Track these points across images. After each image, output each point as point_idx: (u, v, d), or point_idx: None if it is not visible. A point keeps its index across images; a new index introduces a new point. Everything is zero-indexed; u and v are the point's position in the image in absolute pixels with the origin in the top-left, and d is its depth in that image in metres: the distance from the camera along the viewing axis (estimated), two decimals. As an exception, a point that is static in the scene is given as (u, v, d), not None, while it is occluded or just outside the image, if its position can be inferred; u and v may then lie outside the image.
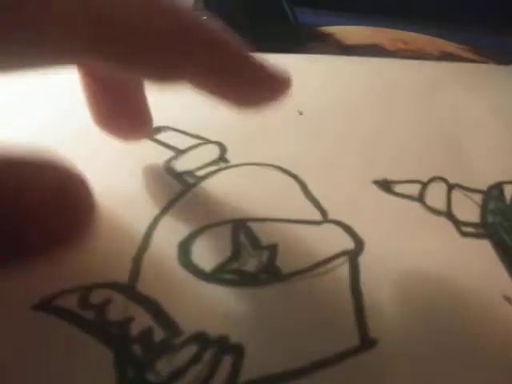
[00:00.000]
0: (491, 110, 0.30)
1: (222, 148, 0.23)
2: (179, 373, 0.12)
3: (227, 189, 0.20)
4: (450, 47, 0.37)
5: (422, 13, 0.40)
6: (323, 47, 0.35)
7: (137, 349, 0.13)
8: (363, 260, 0.17)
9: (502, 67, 0.34)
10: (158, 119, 0.23)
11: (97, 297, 0.14)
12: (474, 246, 0.20)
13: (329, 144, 0.24)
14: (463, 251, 0.19)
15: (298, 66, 0.25)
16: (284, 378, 0.12)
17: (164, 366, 0.12)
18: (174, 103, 0.25)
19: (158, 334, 0.13)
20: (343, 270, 0.17)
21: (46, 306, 0.13)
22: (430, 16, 0.40)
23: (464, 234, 0.20)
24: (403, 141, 0.26)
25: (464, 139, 0.27)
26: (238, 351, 0.13)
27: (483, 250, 0.19)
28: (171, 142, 0.23)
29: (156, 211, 0.18)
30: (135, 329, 0.13)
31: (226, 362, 0.13)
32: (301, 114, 0.27)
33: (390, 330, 0.15)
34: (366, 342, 0.14)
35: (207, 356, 0.13)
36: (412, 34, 0.39)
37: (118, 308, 0.14)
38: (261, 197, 0.20)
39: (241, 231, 0.18)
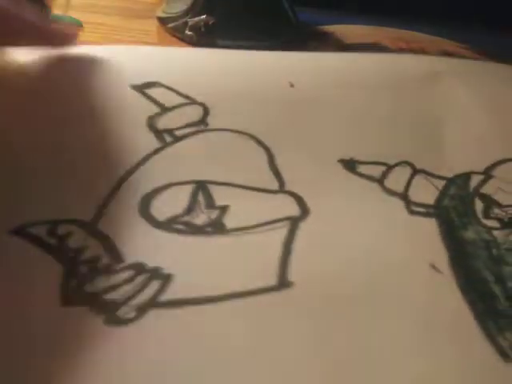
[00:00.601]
0: (482, 105, 0.30)
1: (206, 110, 0.24)
2: (111, 288, 0.15)
3: (200, 151, 0.22)
4: (451, 46, 0.37)
5: (423, 12, 0.40)
6: (323, 46, 0.36)
7: (83, 269, 0.16)
8: (304, 226, 0.20)
9: (501, 65, 0.35)
10: (153, 74, 0.25)
11: (63, 229, 0.17)
12: (419, 224, 0.21)
13: (308, 121, 0.26)
14: (406, 227, 0.21)
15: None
16: (200, 301, 0.15)
17: (101, 283, 0.15)
18: (171, 60, 0.28)
19: (104, 261, 0.16)
20: (283, 231, 0.19)
21: (21, 232, 0.17)
22: (431, 15, 0.40)
23: (412, 213, 0.22)
24: (381, 126, 0.27)
25: (447, 130, 0.28)
26: (166, 278, 0.16)
27: (427, 228, 0.21)
28: (159, 99, 0.24)
29: (129, 164, 0.21)
30: (87, 255, 0.16)
31: (154, 284, 0.15)
32: (292, 86, 0.28)
33: (308, 279, 0.17)
34: (283, 283, 0.16)
35: (139, 279, 0.16)
36: (413, 33, 0.39)
37: (78, 239, 0.17)
38: (228, 162, 0.22)
39: (200, 191, 0.20)
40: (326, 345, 0.15)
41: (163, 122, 0.23)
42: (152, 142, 0.22)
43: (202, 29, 0.36)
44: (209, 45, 0.35)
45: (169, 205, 0.19)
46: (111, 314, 0.14)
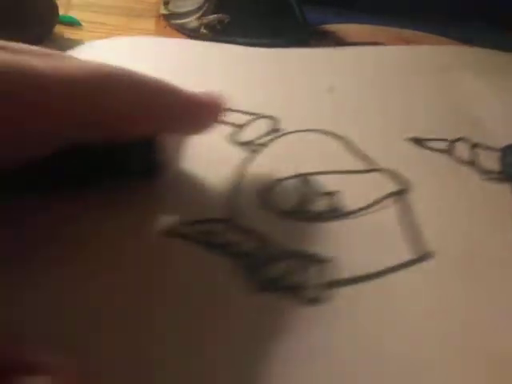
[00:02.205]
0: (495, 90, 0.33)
1: (274, 120, 0.26)
2: (288, 274, 0.16)
3: (286, 151, 0.24)
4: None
5: (423, 11, 0.42)
6: (324, 45, 0.37)
7: (251, 260, 0.16)
8: (411, 198, 0.21)
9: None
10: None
11: (212, 227, 0.18)
12: (495, 189, 0.23)
13: (367, 112, 0.28)
14: (485, 193, 0.23)
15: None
16: (358, 280, 0.16)
17: (276, 270, 0.16)
18: (223, 85, 0.29)
19: (265, 252, 0.17)
20: (393, 206, 0.21)
21: (174, 232, 0.17)
22: (431, 14, 0.41)
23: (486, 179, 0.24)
24: (426, 109, 0.29)
25: (479, 109, 0.30)
26: (329, 261, 0.17)
27: (502, 192, 0.23)
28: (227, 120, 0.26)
29: (234, 172, 0.22)
30: (245, 247, 0.17)
31: (321, 267, 0.16)
32: (332, 90, 0.30)
33: (445, 246, 0.18)
34: (425, 254, 0.18)
35: (305, 264, 0.16)
36: (413, 32, 0.40)
37: (229, 234, 0.17)
38: (316, 155, 0.23)
39: (306, 182, 0.21)
40: (481, 301, 0.17)
41: (243, 137, 0.24)
42: (241, 153, 0.23)
43: (218, 27, 0.37)
44: (224, 42, 0.36)
45: (284, 197, 0.20)
46: (300, 296, 0.15)
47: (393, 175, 0.22)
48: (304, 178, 0.22)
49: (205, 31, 0.37)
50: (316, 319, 0.15)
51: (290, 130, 0.25)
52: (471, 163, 0.25)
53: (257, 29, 0.37)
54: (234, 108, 0.27)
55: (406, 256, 0.18)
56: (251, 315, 0.15)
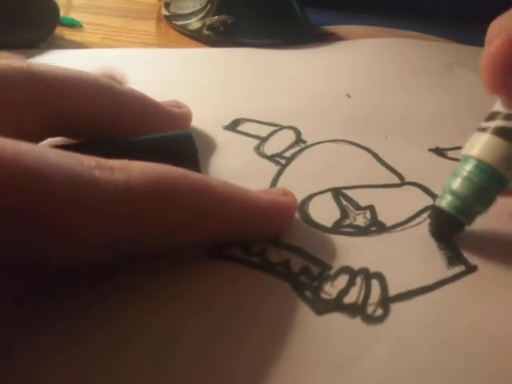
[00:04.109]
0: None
1: (297, 131, 0.26)
2: (344, 292, 0.16)
3: (314, 164, 0.24)
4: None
5: (424, 12, 0.43)
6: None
7: (303, 279, 0.16)
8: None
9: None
10: (231, 113, 0.27)
11: (255, 247, 0.17)
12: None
13: (385, 120, 0.28)
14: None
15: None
16: (418, 292, 0.16)
17: (329, 289, 0.16)
18: (240, 97, 0.29)
19: (314, 270, 0.17)
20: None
21: (217, 253, 0.17)
22: (433, 15, 0.42)
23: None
24: (440, 117, 0.30)
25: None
26: (379, 276, 0.17)
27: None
28: (252, 132, 0.26)
29: (266, 185, 0.22)
30: (294, 267, 0.17)
31: (374, 283, 0.16)
32: (349, 96, 0.30)
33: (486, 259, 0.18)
34: (469, 268, 0.18)
35: (358, 280, 0.16)
36: (413, 33, 0.41)
37: (274, 254, 0.17)
38: (344, 167, 0.23)
39: (340, 196, 0.21)
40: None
41: (268, 149, 0.25)
42: (270, 166, 0.23)
43: (221, 28, 0.37)
44: (227, 43, 0.36)
45: (321, 212, 0.20)
46: (363, 315, 0.15)
47: (423, 188, 0.22)
48: (336, 191, 0.22)
49: (207, 32, 0.37)
50: (377, 337, 0.15)
51: (312, 141, 0.25)
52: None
53: (259, 30, 0.37)
54: (253, 119, 0.27)
55: (447, 271, 0.18)
56: (314, 336, 0.15)
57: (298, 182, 0.22)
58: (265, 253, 0.17)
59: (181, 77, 0.31)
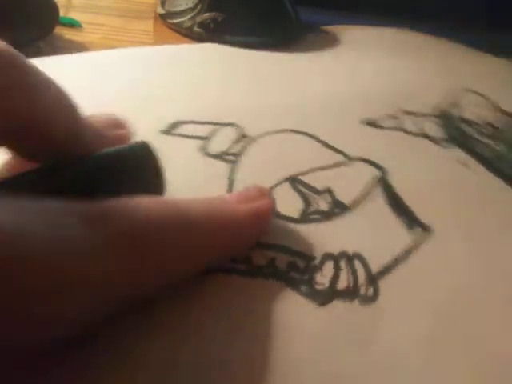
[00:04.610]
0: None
1: (237, 127, 0.26)
2: (335, 279, 0.17)
3: (263, 156, 0.24)
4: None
5: (423, 12, 0.42)
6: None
7: (294, 274, 0.17)
8: (392, 180, 0.23)
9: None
10: (169, 115, 0.26)
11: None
12: (454, 154, 0.26)
13: (323, 106, 0.29)
14: (444, 159, 0.26)
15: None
16: (395, 264, 0.18)
17: (321, 279, 0.17)
18: (175, 99, 0.28)
19: (300, 263, 0.17)
20: (381, 191, 0.22)
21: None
22: (431, 16, 0.42)
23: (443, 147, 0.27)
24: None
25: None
26: (359, 257, 0.18)
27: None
28: (192, 133, 0.26)
29: (224, 185, 0.22)
30: (281, 264, 0.17)
31: (357, 264, 0.17)
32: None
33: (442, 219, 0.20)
34: (427, 228, 0.20)
35: (343, 264, 0.17)
36: (414, 33, 0.41)
37: (259, 256, 0.18)
38: (291, 155, 0.24)
39: (298, 184, 0.22)
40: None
41: (213, 148, 0.24)
42: (221, 165, 0.23)
43: (212, 25, 0.37)
44: (217, 41, 0.36)
45: (286, 204, 0.21)
46: (358, 297, 0.16)
47: (369, 162, 0.24)
48: (292, 179, 0.22)
49: (198, 30, 0.37)
50: (377, 315, 0.16)
51: (254, 135, 0.26)
52: (424, 135, 0.27)
53: (250, 28, 0.37)
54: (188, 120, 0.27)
55: (409, 237, 0.19)
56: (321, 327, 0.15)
57: (255, 177, 0.22)
58: (250, 257, 0.17)
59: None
